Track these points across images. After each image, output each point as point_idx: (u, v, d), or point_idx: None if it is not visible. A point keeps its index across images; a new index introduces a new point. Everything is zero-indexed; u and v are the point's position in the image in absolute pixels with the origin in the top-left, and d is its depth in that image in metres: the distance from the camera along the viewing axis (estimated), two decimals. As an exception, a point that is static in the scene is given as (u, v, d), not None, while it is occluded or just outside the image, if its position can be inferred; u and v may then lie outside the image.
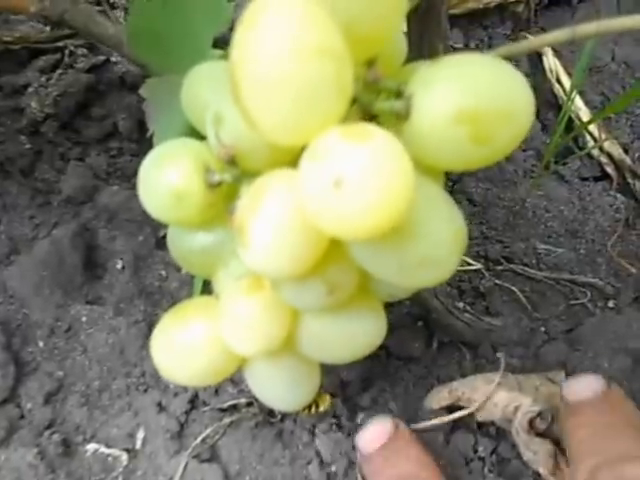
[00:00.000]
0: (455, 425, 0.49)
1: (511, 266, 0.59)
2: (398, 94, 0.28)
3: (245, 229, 0.27)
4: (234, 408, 0.49)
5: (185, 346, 0.36)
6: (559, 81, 0.62)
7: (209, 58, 0.39)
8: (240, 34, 0.24)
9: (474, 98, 0.25)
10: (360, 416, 0.50)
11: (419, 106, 0.26)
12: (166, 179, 0.32)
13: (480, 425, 0.50)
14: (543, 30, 0.65)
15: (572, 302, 0.58)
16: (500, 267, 0.59)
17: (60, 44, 0.57)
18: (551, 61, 0.63)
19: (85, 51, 0.58)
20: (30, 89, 0.56)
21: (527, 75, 0.64)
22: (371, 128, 0.24)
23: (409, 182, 0.23)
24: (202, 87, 0.33)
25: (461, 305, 0.57)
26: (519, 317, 0.57)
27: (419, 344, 0.55)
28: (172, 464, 0.46)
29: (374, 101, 0.28)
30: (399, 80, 0.28)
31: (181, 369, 0.37)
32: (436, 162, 0.28)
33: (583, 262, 0.59)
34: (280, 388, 0.39)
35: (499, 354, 0.54)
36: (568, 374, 0.53)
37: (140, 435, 0.48)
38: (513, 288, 0.58)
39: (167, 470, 0.46)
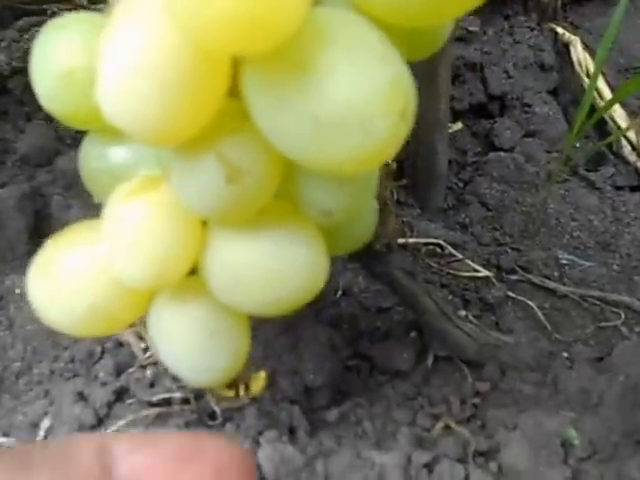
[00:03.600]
0: (440, 452, 0.39)
1: (528, 276, 0.49)
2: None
3: (100, 55, 0.20)
4: (167, 404, 0.40)
5: (65, 279, 0.28)
6: (589, 75, 0.55)
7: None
8: None
9: None
10: (322, 433, 0.40)
11: None
12: (55, 54, 0.27)
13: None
14: (573, 25, 0.59)
15: (602, 324, 0.48)
16: (514, 277, 0.49)
17: (45, 7, 0.54)
18: (580, 54, 0.55)
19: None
20: (3, 44, 0.52)
21: (552, 68, 0.57)
22: None
23: None
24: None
25: (464, 314, 0.47)
26: (535, 337, 0.47)
27: (409, 357, 0.45)
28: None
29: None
30: None
31: (61, 309, 0.28)
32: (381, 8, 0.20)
33: (616, 279, 0.49)
34: (189, 348, 0.29)
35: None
36: (595, 405, 0.42)
37: (45, 425, 0.39)
38: (529, 302, 0.48)
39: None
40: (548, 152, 0.55)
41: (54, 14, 0.54)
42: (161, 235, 0.25)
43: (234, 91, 0.21)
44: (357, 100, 0.19)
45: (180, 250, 0.25)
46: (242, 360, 0.30)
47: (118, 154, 0.29)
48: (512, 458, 0.38)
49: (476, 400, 0.44)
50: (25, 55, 0.53)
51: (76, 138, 0.54)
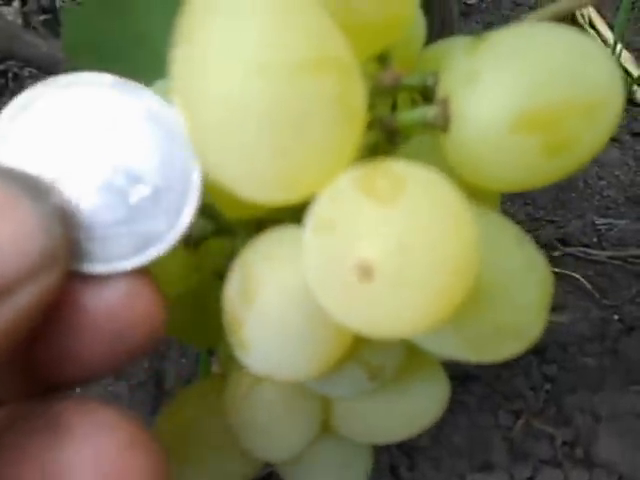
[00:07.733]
0: (534, 457, 0.41)
1: (568, 249, 0.50)
2: (425, 95, 0.20)
3: (239, 325, 0.19)
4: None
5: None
6: (593, 26, 0.52)
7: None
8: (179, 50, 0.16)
9: (546, 92, 0.17)
10: (419, 460, 0.43)
11: (463, 113, 0.18)
12: None
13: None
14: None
15: (646, 281, 0.49)
16: (556, 252, 0.50)
17: (2, 67, 0.48)
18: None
19: (33, 71, 0.49)
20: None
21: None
22: (397, 173, 0.15)
23: (471, 248, 0.15)
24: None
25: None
26: (587, 307, 0.49)
27: (476, 358, 0.47)
28: None
29: (391, 111, 0.20)
30: (422, 74, 0.20)
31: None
32: (491, 183, 0.19)
33: (652, 232, 0.51)
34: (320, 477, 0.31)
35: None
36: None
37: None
38: (575, 274, 0.50)
39: None
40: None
41: (16, 76, 0.48)
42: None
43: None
44: (512, 318, 0.19)
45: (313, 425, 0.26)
46: (368, 471, 0.32)
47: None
48: (601, 449, 0.41)
49: (547, 386, 0.46)
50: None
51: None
